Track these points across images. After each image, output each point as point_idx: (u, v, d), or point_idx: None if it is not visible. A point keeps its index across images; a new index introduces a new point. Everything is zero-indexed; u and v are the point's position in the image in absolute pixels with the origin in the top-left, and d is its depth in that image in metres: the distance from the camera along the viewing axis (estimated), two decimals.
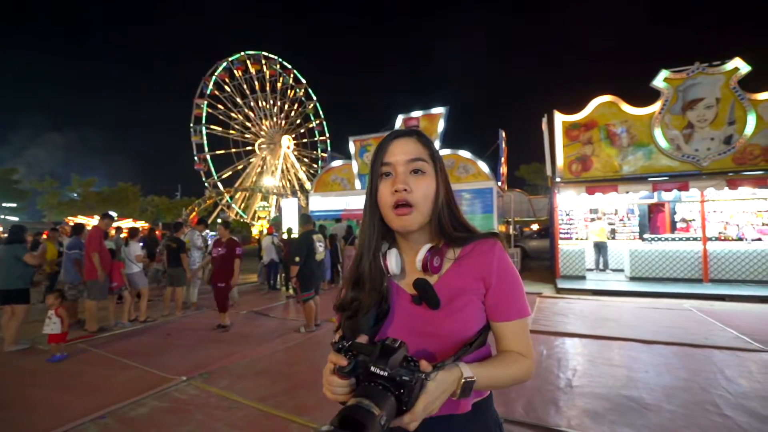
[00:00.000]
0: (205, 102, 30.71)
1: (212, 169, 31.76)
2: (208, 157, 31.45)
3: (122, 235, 6.53)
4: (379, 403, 0.54)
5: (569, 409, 2.81)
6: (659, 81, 7.94)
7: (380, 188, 0.79)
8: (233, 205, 33.89)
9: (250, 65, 32.99)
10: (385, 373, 0.57)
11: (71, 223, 10.22)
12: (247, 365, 3.87)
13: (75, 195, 33.10)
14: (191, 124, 30.59)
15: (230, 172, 34.62)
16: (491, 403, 0.82)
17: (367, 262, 0.80)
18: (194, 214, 28.25)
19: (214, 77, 30.89)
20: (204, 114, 30.70)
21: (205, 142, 31.02)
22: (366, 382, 0.59)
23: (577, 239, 10.09)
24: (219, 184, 32.25)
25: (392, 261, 0.79)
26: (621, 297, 6.98)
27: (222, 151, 33.59)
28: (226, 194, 32.35)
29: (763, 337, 4.35)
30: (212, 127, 31.91)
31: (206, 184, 31.74)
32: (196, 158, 31.12)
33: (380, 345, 0.60)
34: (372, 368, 0.58)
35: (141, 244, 6.64)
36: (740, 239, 8.30)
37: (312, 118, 36.54)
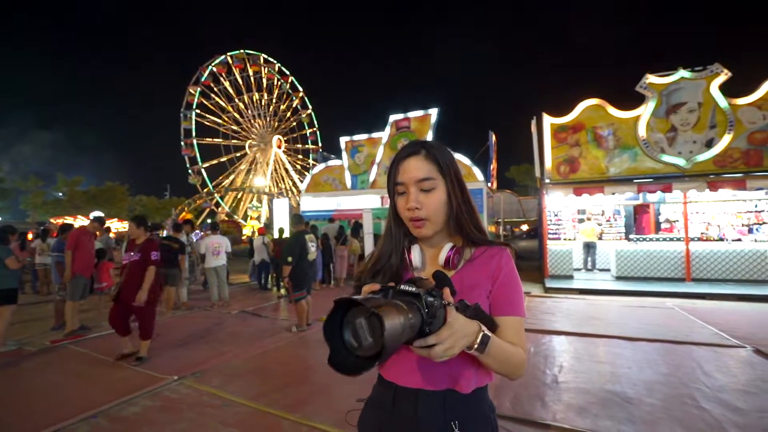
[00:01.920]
0: (198, 89, 30.22)
1: (198, 155, 30.90)
2: (195, 142, 30.64)
3: (111, 235, 6.49)
4: (408, 306, 0.59)
5: (555, 404, 2.89)
6: (644, 85, 8.14)
7: (398, 203, 0.90)
8: (223, 205, 33.51)
9: (248, 65, 32.67)
10: (413, 289, 0.62)
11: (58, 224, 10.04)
12: (239, 364, 3.88)
13: (60, 194, 32.45)
14: (182, 109, 30.06)
15: (228, 182, 34.17)
16: (487, 391, 0.89)
17: (394, 256, 0.91)
18: (184, 213, 27.88)
19: (210, 67, 30.44)
20: (193, 125, 30.25)
21: (194, 128, 30.37)
22: (399, 298, 0.63)
23: (565, 240, 10.28)
24: (203, 171, 31.39)
25: (416, 255, 0.89)
26: (607, 296, 7.14)
27: (210, 140, 32.81)
28: (216, 194, 31.96)
29: (740, 333, 4.52)
30: (203, 113, 31.29)
31: (190, 171, 30.92)
32: (183, 143, 30.40)
33: (409, 278, 0.67)
34: (402, 287, 0.64)
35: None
36: (721, 239, 8.58)
37: (306, 127, 36.33)
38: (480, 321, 0.74)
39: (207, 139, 32.40)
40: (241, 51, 32.11)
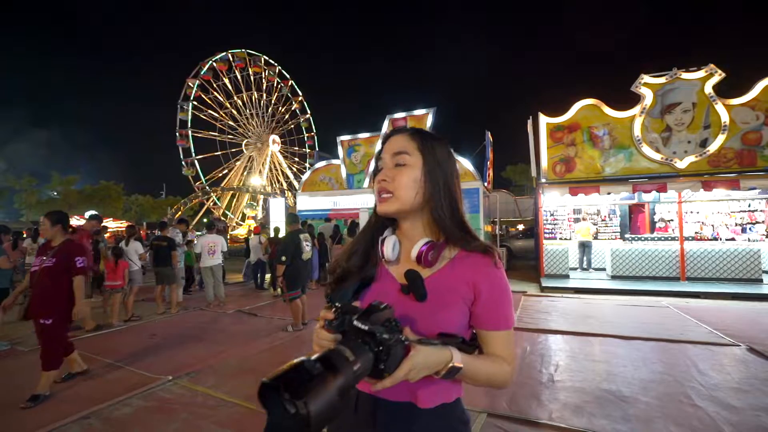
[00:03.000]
0: (197, 82, 29.98)
1: (192, 147, 30.58)
2: (190, 133, 30.21)
3: (105, 235, 6.47)
4: (355, 352, 0.57)
5: (551, 403, 2.90)
6: (639, 85, 8.18)
7: (375, 180, 0.87)
8: (221, 206, 33.35)
9: (234, 64, 32.46)
10: (366, 327, 0.60)
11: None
12: (234, 364, 3.86)
13: (55, 193, 32.21)
14: (176, 128, 29.81)
15: (221, 174, 33.94)
16: (458, 404, 0.84)
17: (364, 244, 0.89)
18: (180, 213, 27.72)
19: (197, 80, 30.21)
20: (189, 116, 29.99)
21: (190, 119, 30.05)
22: (351, 336, 0.62)
23: (561, 239, 10.32)
24: (196, 163, 31.03)
25: (389, 247, 0.84)
26: (602, 295, 7.18)
27: (209, 154, 32.75)
28: (212, 194, 31.78)
29: (734, 332, 4.55)
30: (200, 106, 31.03)
31: (183, 164, 30.62)
32: (178, 134, 30.09)
33: (370, 306, 0.65)
34: (355, 322, 0.62)
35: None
36: (715, 239, 8.64)
37: (298, 113, 36.05)
38: (452, 345, 0.72)
39: (203, 132, 32.11)
40: (243, 50, 31.89)
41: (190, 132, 30.06)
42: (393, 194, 0.83)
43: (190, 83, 29.75)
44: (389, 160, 0.85)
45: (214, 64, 30.96)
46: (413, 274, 0.78)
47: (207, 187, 31.31)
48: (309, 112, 35.88)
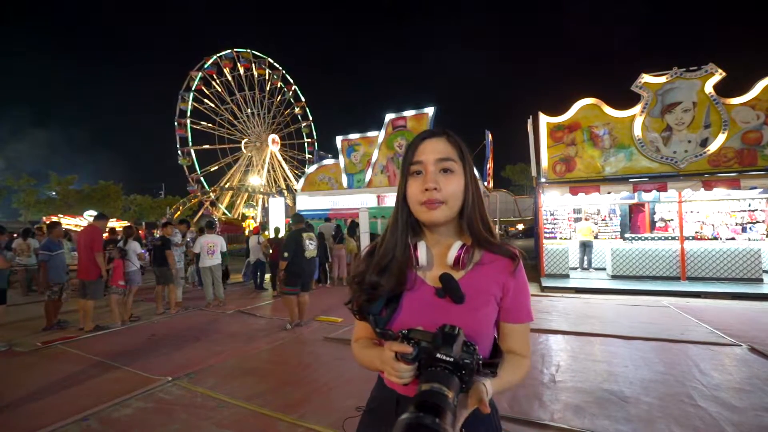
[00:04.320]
0: (191, 95, 29.99)
1: (196, 163, 30.83)
2: (192, 151, 30.54)
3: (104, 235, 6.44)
4: (448, 386, 0.60)
5: (552, 404, 2.88)
6: (639, 85, 8.17)
7: (410, 185, 0.84)
8: (219, 205, 33.27)
9: (238, 63, 32.40)
10: (451, 359, 0.63)
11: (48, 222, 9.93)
12: (234, 364, 3.84)
13: (53, 193, 32.14)
14: (176, 117, 29.83)
15: (216, 167, 33.82)
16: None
17: (399, 252, 0.85)
18: (179, 212, 27.66)
19: (200, 73, 30.22)
20: (189, 107, 29.98)
21: (190, 135, 30.23)
22: (430, 366, 0.64)
23: (561, 239, 10.31)
24: (202, 179, 31.38)
25: (422, 253, 0.83)
26: (603, 295, 7.17)
27: (207, 146, 32.64)
28: (212, 193, 31.72)
29: (735, 331, 4.54)
30: (198, 121, 31.08)
31: (179, 153, 30.61)
32: (179, 152, 30.26)
33: (441, 332, 0.66)
34: (438, 354, 0.64)
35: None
36: (715, 238, 8.64)
37: (300, 119, 36.07)
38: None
39: (204, 146, 32.15)
40: (249, 51, 31.86)
41: (188, 122, 30.03)
42: (445, 203, 0.81)
43: (192, 75, 29.77)
44: (433, 165, 0.81)
45: (219, 60, 30.95)
46: (448, 277, 0.80)
47: (202, 179, 31.27)
48: (311, 118, 35.87)
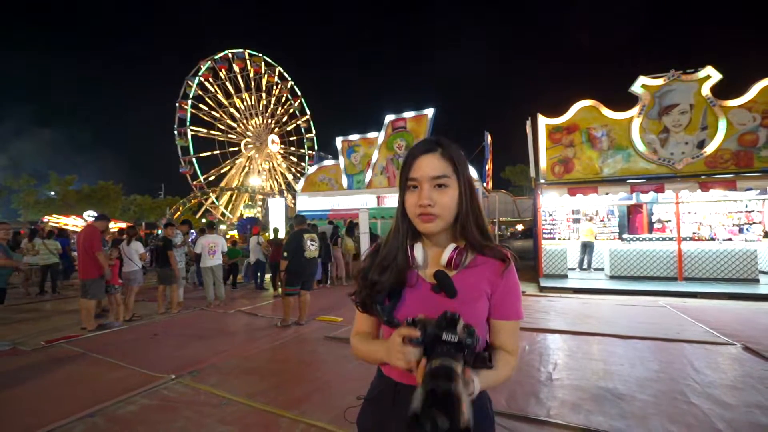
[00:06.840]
0: (189, 103, 29.98)
1: (198, 171, 30.89)
2: (194, 160, 30.58)
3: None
4: (457, 361, 0.68)
5: (549, 400, 2.94)
6: (637, 87, 8.24)
7: (407, 198, 0.91)
8: (220, 206, 33.27)
9: (234, 63, 32.41)
10: (455, 339, 0.70)
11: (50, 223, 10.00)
12: (236, 363, 3.89)
13: (53, 193, 32.16)
14: (175, 126, 29.79)
15: (215, 177, 33.87)
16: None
17: (400, 255, 0.93)
18: (179, 212, 27.69)
19: (197, 78, 30.16)
20: (188, 116, 29.97)
21: (191, 144, 30.28)
22: (437, 347, 0.71)
23: (559, 239, 10.37)
24: (194, 161, 30.87)
25: (418, 254, 0.92)
26: (601, 295, 7.23)
27: (208, 153, 32.70)
28: (211, 194, 31.73)
29: (730, 331, 4.61)
30: (197, 129, 30.92)
31: (181, 162, 30.53)
32: (181, 161, 30.29)
33: (444, 317, 0.73)
34: (444, 336, 0.71)
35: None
36: (712, 239, 8.71)
37: (303, 132, 36.18)
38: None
39: (204, 153, 32.12)
40: (243, 50, 31.87)
41: (188, 130, 30.02)
42: (437, 217, 0.88)
43: (189, 82, 29.74)
44: (427, 182, 0.87)
45: (214, 63, 30.93)
46: (442, 274, 0.86)
47: (205, 187, 31.26)
48: (308, 113, 35.88)
